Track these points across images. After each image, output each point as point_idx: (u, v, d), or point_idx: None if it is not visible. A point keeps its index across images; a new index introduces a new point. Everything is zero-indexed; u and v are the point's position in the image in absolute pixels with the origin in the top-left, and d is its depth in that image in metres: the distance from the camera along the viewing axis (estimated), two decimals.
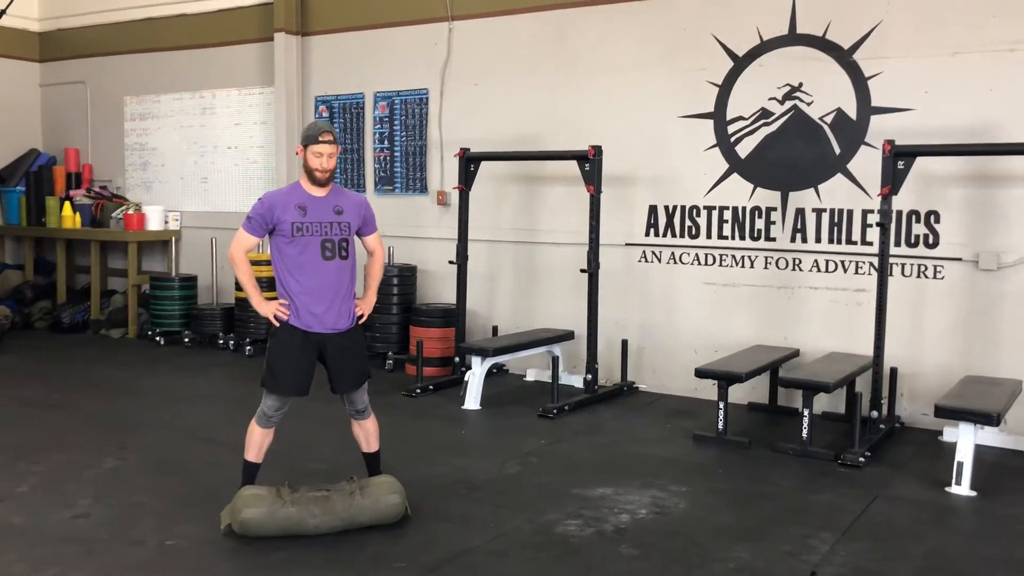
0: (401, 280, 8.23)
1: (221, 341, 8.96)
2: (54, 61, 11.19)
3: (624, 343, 7.36)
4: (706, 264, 7.18)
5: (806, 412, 5.64)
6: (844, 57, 6.56)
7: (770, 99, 6.86)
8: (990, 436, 5.84)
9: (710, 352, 7.07)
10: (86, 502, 4.57)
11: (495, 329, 7.99)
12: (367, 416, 4.56)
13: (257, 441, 4.39)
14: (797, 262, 6.83)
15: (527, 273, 8.02)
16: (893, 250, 6.40)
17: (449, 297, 8.21)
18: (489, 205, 8.03)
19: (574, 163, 7.17)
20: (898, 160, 5.78)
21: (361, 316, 4.52)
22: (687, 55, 7.14)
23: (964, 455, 4.98)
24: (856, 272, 6.61)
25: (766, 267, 6.95)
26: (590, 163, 6.83)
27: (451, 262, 7.62)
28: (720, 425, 5.89)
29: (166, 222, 9.89)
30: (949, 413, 5.08)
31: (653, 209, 7.37)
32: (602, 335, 7.36)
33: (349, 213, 4.37)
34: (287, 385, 4.31)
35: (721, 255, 7.11)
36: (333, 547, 4.04)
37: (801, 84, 6.74)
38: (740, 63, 6.95)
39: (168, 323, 9.27)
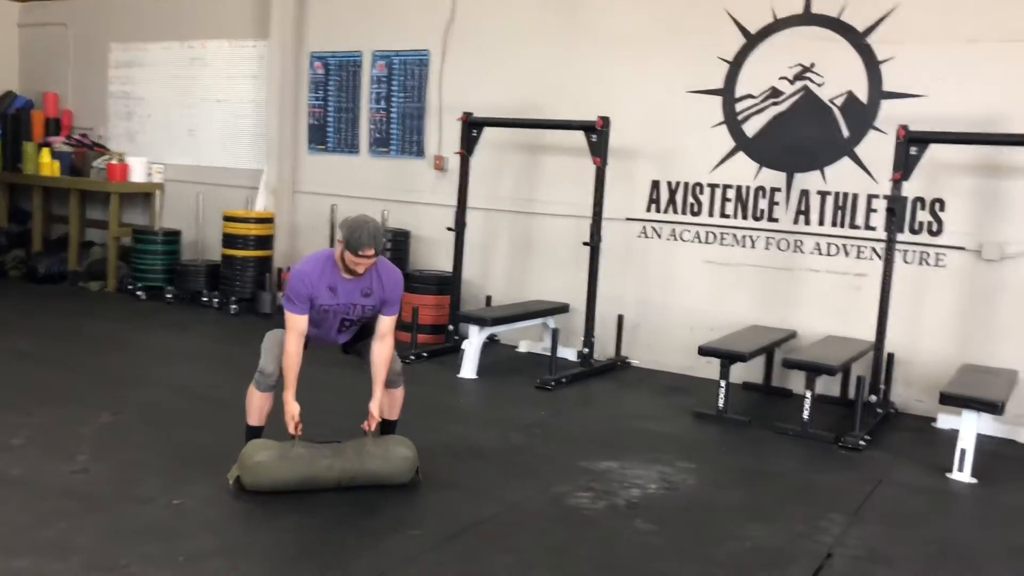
0: (395, 245, 8.11)
1: (205, 298, 8.78)
2: (34, 0, 10.81)
3: (620, 318, 7.32)
4: (706, 242, 7.15)
5: (808, 394, 5.65)
6: (858, 40, 6.52)
7: (781, 78, 6.81)
8: (983, 425, 5.89)
9: (706, 331, 7.04)
10: (84, 458, 4.45)
11: (488, 299, 7.90)
12: (398, 385, 4.46)
13: (257, 405, 4.29)
14: (799, 244, 6.82)
15: (523, 244, 7.94)
16: (897, 236, 6.41)
17: (443, 264, 8.12)
18: (487, 173, 7.90)
19: (576, 134, 7.10)
20: (911, 146, 5.77)
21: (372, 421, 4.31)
22: (698, 29, 7.06)
23: (967, 443, 5.02)
24: (858, 256, 6.62)
25: (767, 248, 6.93)
26: (598, 134, 6.75)
27: (449, 229, 7.51)
28: (721, 403, 5.89)
29: (149, 174, 9.63)
30: (954, 400, 5.11)
31: (656, 184, 7.32)
32: (598, 309, 7.32)
33: (376, 295, 4.20)
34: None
35: (722, 234, 7.08)
36: (346, 512, 3.97)
37: (813, 65, 6.69)
38: (752, 40, 6.88)
39: (150, 277, 9.07)
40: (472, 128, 7.34)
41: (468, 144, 7.37)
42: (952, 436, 5.65)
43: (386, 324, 4.29)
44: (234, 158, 9.42)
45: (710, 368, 6.84)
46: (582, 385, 6.63)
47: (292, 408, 4.16)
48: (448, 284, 7.78)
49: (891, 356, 6.32)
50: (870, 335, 6.37)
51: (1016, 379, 5.76)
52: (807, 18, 6.68)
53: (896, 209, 5.85)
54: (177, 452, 4.59)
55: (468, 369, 6.66)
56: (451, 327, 7.48)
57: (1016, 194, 6.11)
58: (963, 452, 5.01)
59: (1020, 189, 6.11)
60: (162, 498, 3.99)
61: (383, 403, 4.42)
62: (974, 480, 4.97)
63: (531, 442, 5.20)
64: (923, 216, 6.40)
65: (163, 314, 8.42)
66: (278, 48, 8.84)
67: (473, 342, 6.68)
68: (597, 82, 7.43)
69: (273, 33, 8.85)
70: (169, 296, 8.90)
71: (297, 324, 4.14)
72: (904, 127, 5.80)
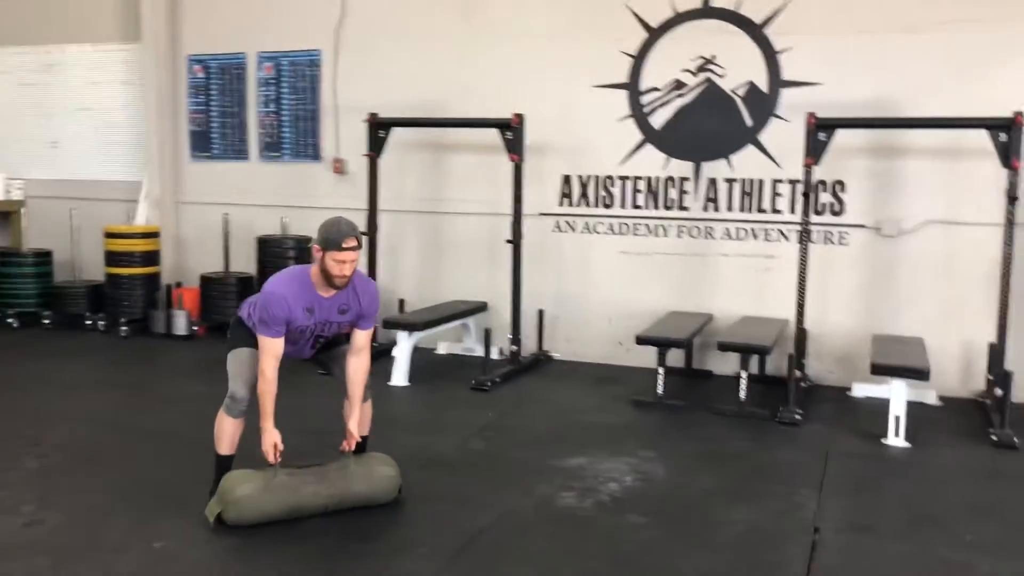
0: (299, 252, 7.83)
1: (89, 322, 8.19)
2: None
3: (540, 313, 7.36)
4: (620, 233, 7.29)
5: (744, 374, 5.87)
6: (756, 32, 6.80)
7: (684, 71, 7.02)
8: (885, 390, 6.31)
9: (624, 319, 7.22)
10: (30, 508, 4.06)
11: (401, 303, 7.76)
12: (366, 399, 4.30)
13: (229, 432, 4.04)
14: (709, 230, 7.06)
15: (433, 244, 7.84)
16: (800, 217, 6.75)
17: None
18: (392, 174, 7.74)
19: (485, 131, 7.12)
20: (820, 132, 6.07)
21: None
22: (600, 24, 7.17)
23: (899, 410, 5.35)
24: (766, 239, 6.92)
25: (679, 236, 7.14)
26: (513, 131, 6.74)
27: (363, 233, 7.29)
28: (660, 390, 6.03)
29: (8, 191, 8.86)
30: (885, 370, 5.43)
31: (567, 179, 7.39)
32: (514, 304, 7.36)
33: (353, 311, 4.04)
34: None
35: (635, 224, 7.24)
36: (340, 539, 3.81)
37: (714, 57, 6.93)
38: (654, 34, 7.05)
39: (22, 303, 8.36)
40: (379, 129, 7.17)
41: (376, 145, 7.20)
42: (868, 404, 6.11)
43: (362, 338, 4.14)
44: (108, 170, 8.82)
45: (630, 356, 7.04)
46: (514, 383, 6.63)
47: (273, 436, 3.94)
48: None
49: (804, 331, 6.63)
50: (781, 313, 6.74)
51: (924, 346, 6.18)
52: (706, 11, 6.91)
53: (809, 193, 6.15)
54: (132, 491, 4.26)
55: (399, 376, 6.52)
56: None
57: (909, 173, 6.55)
58: (897, 419, 5.33)
59: (912, 169, 6.55)
60: (138, 543, 3.70)
61: (354, 417, 4.27)
62: (908, 444, 5.30)
63: (492, 446, 5.15)
64: (826, 198, 6.76)
65: (44, 342, 7.80)
66: (152, 51, 8.35)
67: (403, 348, 6.55)
68: (501, 79, 7.41)
69: (145, 35, 8.35)
70: (46, 321, 8.25)
71: (273, 348, 3.92)
72: (813, 114, 6.10)
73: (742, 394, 5.89)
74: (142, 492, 4.25)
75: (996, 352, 5.87)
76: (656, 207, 7.18)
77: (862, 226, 6.67)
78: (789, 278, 6.76)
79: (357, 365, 4.12)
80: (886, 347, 5.94)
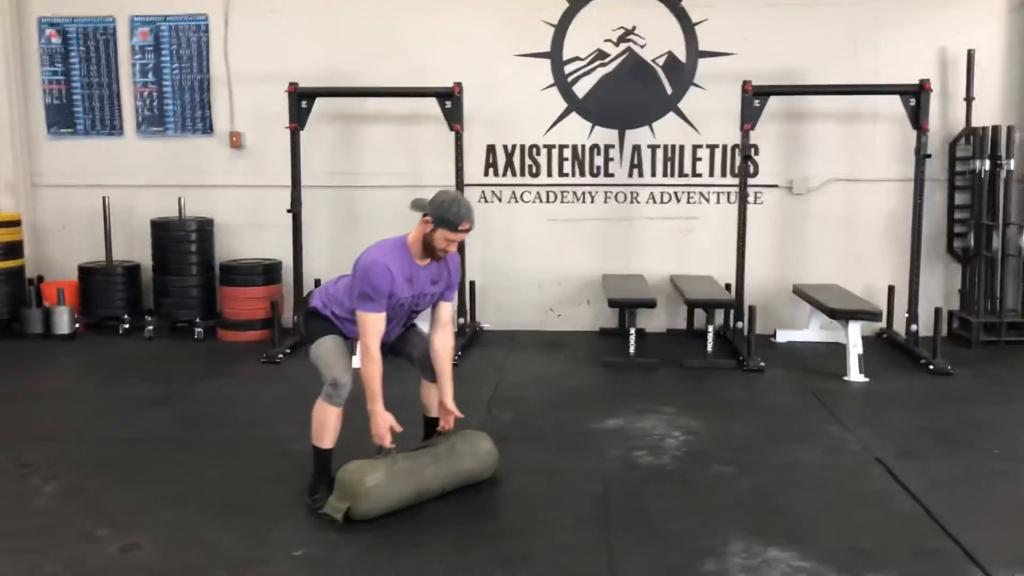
0: (201, 236, 7.22)
1: None
2: None
3: (472, 284, 7.31)
4: (548, 201, 7.40)
5: (711, 328, 6.23)
6: (674, 3, 7.12)
7: (605, 41, 7.22)
8: (817, 333, 6.99)
9: (554, 286, 7.39)
10: (106, 532, 3.54)
11: (317, 282, 7.36)
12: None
13: (332, 424, 3.76)
14: (634, 195, 7.35)
15: (348, 220, 7.52)
16: (719, 180, 7.26)
17: (250, 252, 7.46)
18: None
19: (402, 101, 7.07)
20: (755, 99, 6.52)
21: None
22: None
23: (858, 348, 5.94)
24: (688, 202, 7.33)
25: (606, 201, 7.37)
26: (453, 100, 6.61)
27: (288, 211, 6.87)
28: (632, 350, 6.25)
29: None
30: (844, 315, 6.00)
31: (491, 149, 7.37)
32: None
33: (443, 281, 3.88)
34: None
35: (563, 192, 7.38)
36: (474, 522, 3.69)
37: (635, 27, 7.18)
38: (575, 4, 7.18)
39: None
40: (302, 100, 6.75)
41: (299, 117, 6.78)
42: (796, 348, 6.75)
43: (448, 311, 4.00)
44: None
45: (561, 322, 7.25)
46: (467, 356, 6.55)
47: (387, 418, 3.72)
48: (276, 273, 7.20)
49: (728, 285, 7.12)
50: (705, 271, 7.18)
51: (843, 290, 6.85)
52: None
53: (749, 156, 6.59)
54: (196, 501, 3.84)
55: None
56: (296, 317, 6.90)
57: (813, 136, 7.19)
58: (859, 357, 5.91)
59: (816, 132, 7.19)
60: (275, 554, 3.37)
61: (433, 397, 4.11)
62: (867, 379, 5.90)
63: (518, 416, 5.12)
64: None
65: None
66: None
67: None
68: (417, 47, 7.23)
69: None
70: None
71: (377, 324, 3.69)
72: (749, 82, 6.53)
73: (709, 347, 6.24)
74: (208, 501, 3.84)
75: (913, 292, 6.64)
76: (582, 174, 7.35)
77: (775, 186, 7.23)
78: (710, 237, 7.26)
79: (444, 339, 3.96)
80: (822, 294, 6.53)
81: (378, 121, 7.38)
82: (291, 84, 6.74)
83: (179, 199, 7.24)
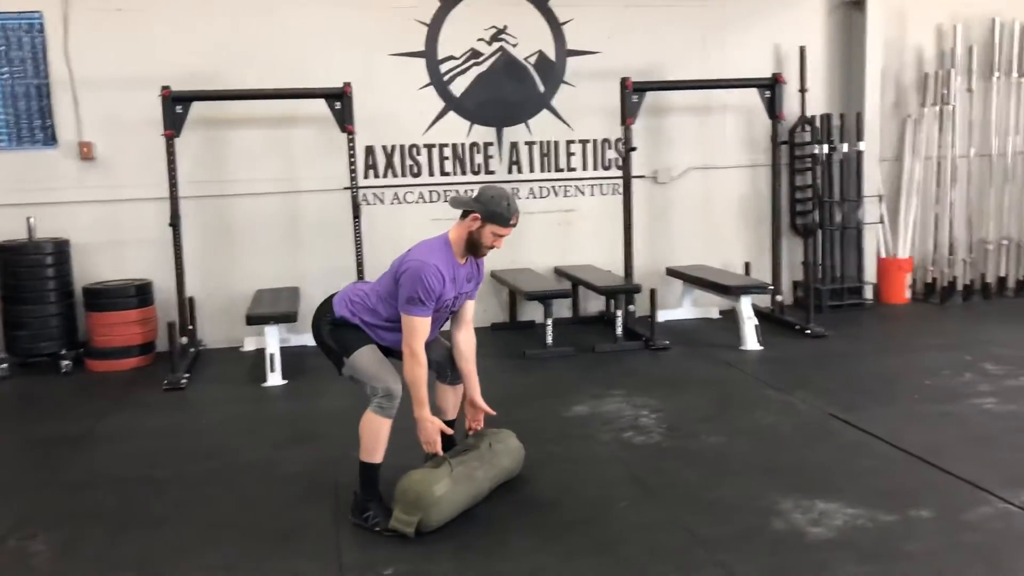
0: (58, 258, 6.52)
1: None
2: None
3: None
4: (431, 201, 7.39)
5: (620, 313, 6.55)
6: (542, 4, 7.36)
7: (479, 40, 7.32)
8: (684, 311, 7.53)
9: None
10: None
11: (191, 300, 6.89)
12: (459, 382, 4.06)
13: (385, 437, 3.61)
14: (515, 191, 7.51)
15: (220, 232, 7.08)
16: (593, 173, 7.62)
17: (110, 273, 6.87)
18: (155, 156, 6.77)
19: (276, 103, 6.81)
20: (634, 95, 6.91)
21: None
22: None
23: (753, 319, 6.50)
24: (565, 196, 7.61)
25: None
26: (343, 101, 6.44)
27: (170, 224, 6.36)
28: (549, 340, 6.43)
29: None
30: (738, 290, 6.52)
31: (370, 150, 7.24)
32: (326, 285, 7.01)
33: (474, 280, 3.82)
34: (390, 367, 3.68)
35: (445, 191, 7.39)
36: (533, 516, 3.68)
37: (506, 27, 7.34)
38: (447, 4, 7.22)
39: None
40: (177, 104, 6.27)
41: (175, 123, 6.29)
42: (671, 325, 7.19)
43: (472, 309, 3.96)
44: None
45: None
46: None
47: (437, 423, 3.64)
48: (148, 293, 6.67)
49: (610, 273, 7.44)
50: (586, 261, 7.53)
51: (714, 269, 7.42)
52: None
53: (632, 148, 6.97)
54: (235, 540, 3.54)
55: (276, 376, 5.96)
56: (185, 339, 6.43)
57: (673, 128, 7.72)
58: (756, 327, 6.47)
59: (675, 124, 7.73)
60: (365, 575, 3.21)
61: (450, 400, 4.07)
62: (762, 347, 6.46)
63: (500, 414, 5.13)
64: (611, 154, 7.64)
65: None
66: None
67: (274, 344, 5.98)
68: (286, 48, 6.96)
69: None
70: None
71: (426, 327, 3.61)
72: (627, 78, 6.90)
73: (619, 331, 6.56)
74: (240, 536, 3.56)
75: (776, 266, 7.34)
76: (464, 172, 7.41)
77: (642, 176, 7.67)
78: (588, 228, 7.60)
79: (469, 337, 3.93)
80: (704, 273, 7.07)
81: (247, 125, 7.00)
82: (164, 88, 6.24)
83: (28, 219, 6.46)
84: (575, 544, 3.40)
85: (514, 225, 3.66)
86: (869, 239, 7.97)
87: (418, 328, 3.56)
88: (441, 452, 3.66)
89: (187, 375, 6.03)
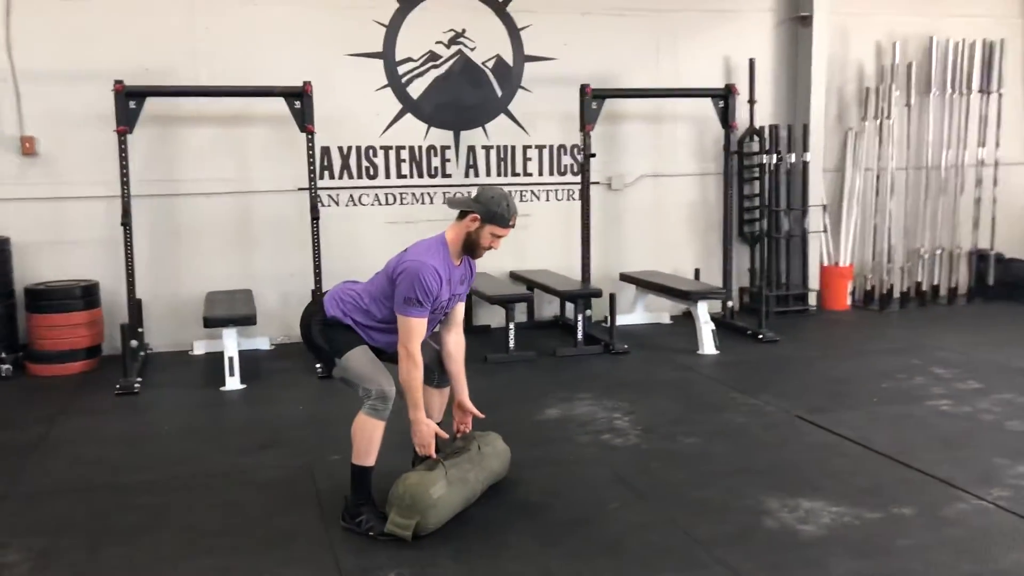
0: (3, 257, 6.23)
1: None
2: None
3: (314, 292, 7.00)
4: (386, 204, 7.31)
5: (580, 317, 6.59)
6: (500, 9, 7.37)
7: (437, 42, 7.28)
8: (637, 316, 7.64)
9: None
10: None
11: (139, 303, 6.66)
12: (445, 385, 4.02)
13: (378, 439, 3.56)
14: (471, 196, 7.47)
15: (169, 232, 6.87)
16: (548, 179, 7.66)
17: (53, 274, 6.62)
18: (102, 152, 6.56)
19: (226, 101, 6.67)
20: (593, 101, 6.98)
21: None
22: None
23: (710, 324, 6.61)
24: (521, 200, 7.61)
25: (444, 202, 7.41)
26: (303, 100, 6.33)
27: (122, 223, 6.14)
28: (511, 344, 6.42)
29: None
30: (696, 296, 6.64)
31: (326, 151, 7.13)
32: (279, 288, 7.03)
33: (467, 281, 3.80)
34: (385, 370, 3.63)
35: (401, 194, 7.33)
36: (536, 519, 3.67)
37: (464, 31, 7.33)
38: (405, 5, 7.16)
39: None
40: (131, 99, 6.08)
41: (128, 119, 6.09)
42: (624, 330, 7.31)
43: (462, 311, 3.94)
44: None
45: None
46: None
47: (432, 426, 3.60)
48: (95, 295, 6.44)
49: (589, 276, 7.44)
50: (541, 265, 7.56)
51: (667, 275, 7.53)
52: None
53: (591, 155, 7.03)
54: (227, 548, 3.43)
55: (235, 380, 5.81)
56: (135, 342, 6.22)
57: (626, 136, 7.81)
58: (713, 332, 6.58)
59: (627, 132, 7.82)
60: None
61: (436, 403, 4.03)
62: (719, 351, 6.58)
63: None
64: (567, 160, 7.69)
65: None
66: None
67: (233, 347, 5.83)
68: (242, 45, 6.82)
69: None
70: None
71: (423, 328, 3.57)
72: (587, 85, 6.96)
73: (579, 335, 6.60)
74: (231, 544, 3.46)
75: (727, 272, 7.50)
76: (420, 175, 7.35)
77: (597, 183, 7.74)
78: (543, 233, 7.63)
79: (458, 340, 3.91)
80: (659, 279, 7.18)
81: (199, 123, 6.82)
82: (118, 82, 6.03)
83: None
84: (576, 545, 3.40)
85: (513, 226, 3.65)
86: (813, 247, 8.19)
87: (415, 329, 3.51)
88: (435, 455, 3.61)
89: (139, 380, 5.83)
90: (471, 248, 3.64)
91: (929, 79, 8.35)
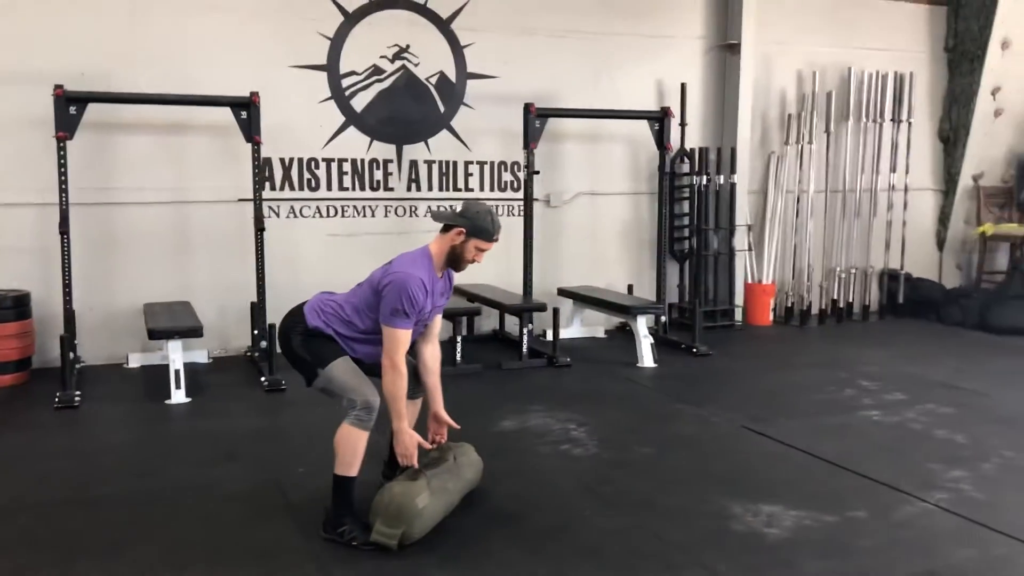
0: None
1: None
2: None
3: (252, 306, 6.94)
4: (328, 216, 7.30)
5: (525, 332, 6.72)
6: (443, 26, 7.47)
7: (381, 57, 7.32)
8: (574, 330, 7.79)
9: None
10: None
11: (72, 314, 6.46)
12: (418, 396, 4.06)
13: (362, 450, 3.59)
14: (413, 209, 7.55)
15: (103, 242, 6.69)
16: (489, 194, 7.77)
17: None
18: (33, 159, 6.39)
19: (169, 109, 6.54)
20: (537, 120, 7.14)
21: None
22: (295, 4, 7.01)
23: (649, 338, 6.83)
24: None
25: (386, 215, 7.48)
26: (250, 111, 6.29)
27: (60, 232, 5.96)
28: (459, 357, 6.49)
29: None
30: (636, 311, 6.84)
31: (267, 162, 7.06)
32: (216, 301, 6.94)
33: (446, 293, 3.86)
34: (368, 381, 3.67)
35: (343, 206, 7.33)
36: (521, 525, 3.76)
37: (409, 46, 7.39)
38: (350, 19, 7.18)
39: None
40: (71, 104, 5.93)
41: (68, 124, 5.93)
42: (563, 344, 7.43)
43: (439, 323, 4.00)
44: None
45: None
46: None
47: (415, 436, 3.66)
48: (27, 306, 6.24)
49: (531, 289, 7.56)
50: (482, 280, 7.65)
51: (604, 290, 7.73)
52: (400, 2, 7.31)
53: (534, 173, 7.18)
54: (207, 563, 3.40)
55: (180, 393, 5.71)
56: (73, 354, 6.05)
57: (564, 154, 7.99)
58: (652, 345, 6.80)
59: (567, 152, 8.00)
60: None
61: (410, 414, 4.08)
62: (656, 364, 6.80)
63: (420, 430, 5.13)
64: (507, 176, 7.83)
65: None
66: None
67: (178, 360, 5.73)
68: (186, 52, 6.72)
69: None
70: None
71: (407, 340, 3.63)
72: (531, 104, 7.12)
73: (524, 349, 6.72)
74: (212, 558, 3.43)
75: (660, 288, 7.73)
76: (363, 188, 7.37)
77: (537, 199, 7.88)
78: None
79: (435, 351, 3.97)
80: (597, 294, 7.38)
81: (136, 131, 6.68)
82: (58, 87, 5.88)
83: None
84: (558, 551, 3.49)
85: (497, 240, 3.74)
86: (739, 265, 8.52)
87: (401, 340, 3.56)
88: (417, 465, 3.66)
89: (79, 393, 5.66)
90: (455, 261, 3.72)
91: (846, 107, 8.81)
